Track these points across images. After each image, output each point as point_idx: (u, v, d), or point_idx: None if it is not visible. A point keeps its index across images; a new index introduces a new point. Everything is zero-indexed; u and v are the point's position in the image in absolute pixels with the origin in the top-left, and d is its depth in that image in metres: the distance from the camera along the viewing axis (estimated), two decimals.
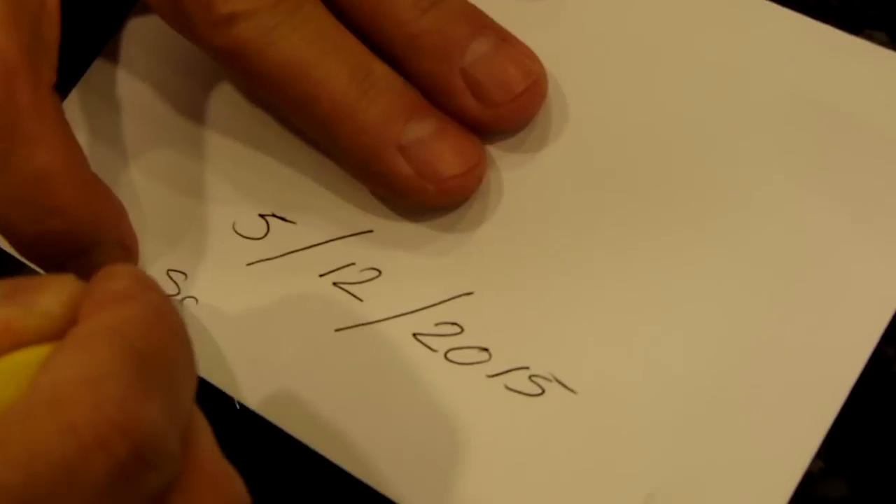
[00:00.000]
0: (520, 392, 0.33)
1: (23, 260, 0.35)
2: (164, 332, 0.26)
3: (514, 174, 0.36)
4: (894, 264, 0.32)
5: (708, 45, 0.35)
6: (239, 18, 0.34)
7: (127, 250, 0.37)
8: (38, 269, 0.37)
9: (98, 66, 0.41)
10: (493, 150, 0.36)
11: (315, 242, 0.37)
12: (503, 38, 0.35)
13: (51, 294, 0.26)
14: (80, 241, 0.35)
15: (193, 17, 0.34)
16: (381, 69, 0.35)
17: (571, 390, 0.33)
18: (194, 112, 0.39)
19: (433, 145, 0.34)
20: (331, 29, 0.35)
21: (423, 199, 0.35)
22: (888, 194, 0.33)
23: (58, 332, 0.26)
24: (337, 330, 0.35)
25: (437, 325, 0.35)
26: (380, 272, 0.36)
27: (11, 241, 0.35)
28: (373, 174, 0.35)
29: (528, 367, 0.33)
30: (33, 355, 0.25)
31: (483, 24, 0.35)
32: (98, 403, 0.23)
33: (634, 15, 0.36)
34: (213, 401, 0.35)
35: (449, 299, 0.35)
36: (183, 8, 0.34)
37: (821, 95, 0.34)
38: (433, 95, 0.35)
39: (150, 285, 0.28)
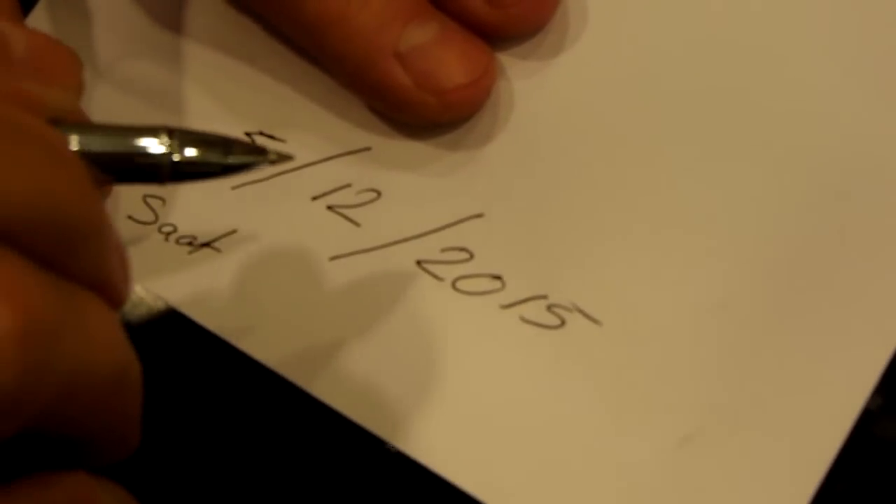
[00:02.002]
0: (537, 324, 0.29)
1: None
2: None
3: (527, 84, 0.31)
4: None
5: None
6: None
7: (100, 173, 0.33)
8: None
9: None
10: (504, 58, 0.32)
11: (307, 162, 0.32)
12: None
13: None
14: None
15: None
16: None
17: (595, 321, 0.29)
18: (172, 21, 0.35)
19: (435, 52, 0.30)
20: None
21: (425, 113, 0.30)
22: None
23: None
24: (332, 258, 0.31)
25: (443, 251, 0.31)
26: (379, 194, 0.32)
27: None
28: (367, 85, 0.31)
29: (546, 297, 0.29)
30: None
31: None
32: None
33: None
34: (199, 342, 0.31)
35: (456, 222, 0.31)
36: None
37: None
38: None
39: None
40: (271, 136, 0.33)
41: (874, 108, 0.29)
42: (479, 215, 0.31)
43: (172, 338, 0.32)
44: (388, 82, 0.30)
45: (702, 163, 0.30)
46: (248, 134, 0.33)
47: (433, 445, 0.29)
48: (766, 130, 0.29)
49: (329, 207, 0.32)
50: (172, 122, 0.34)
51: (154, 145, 0.23)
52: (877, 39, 0.30)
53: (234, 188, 0.33)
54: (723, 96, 0.30)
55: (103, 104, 0.34)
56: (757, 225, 0.29)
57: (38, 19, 0.36)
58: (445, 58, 0.30)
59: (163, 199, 0.33)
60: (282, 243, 0.32)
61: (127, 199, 0.33)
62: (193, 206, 0.33)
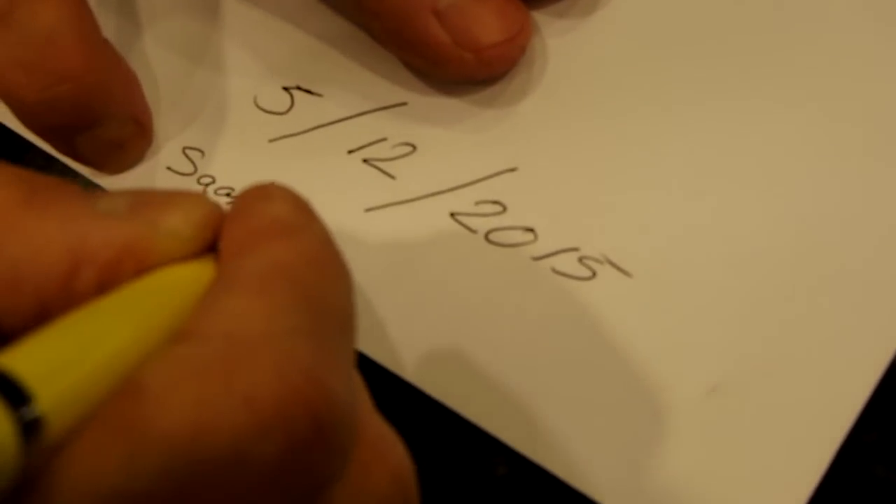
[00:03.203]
0: (569, 275, 0.29)
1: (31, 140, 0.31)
2: (336, 273, 0.21)
3: (562, 41, 0.31)
4: None
5: None
6: None
7: (140, 126, 0.33)
8: (47, 146, 0.33)
9: None
10: (539, 15, 0.31)
11: (343, 116, 0.32)
12: None
13: (181, 212, 0.21)
14: (89, 113, 0.30)
15: None
16: None
17: (626, 273, 0.28)
18: None
19: (472, 9, 0.29)
20: None
21: (461, 69, 0.30)
22: None
23: (184, 257, 0.21)
24: (367, 210, 0.31)
25: (477, 203, 0.30)
26: (414, 148, 0.31)
27: (15, 109, 0.30)
28: (405, 42, 0.30)
29: (577, 249, 0.29)
30: (168, 279, 0.21)
31: None
32: (282, 369, 0.18)
33: None
34: None
35: (490, 176, 0.30)
36: None
37: None
38: None
39: (312, 213, 0.23)
40: (308, 91, 0.33)
41: None
42: (513, 169, 0.30)
43: None
44: (427, 39, 0.29)
45: (736, 116, 0.29)
46: (285, 88, 0.33)
47: (464, 393, 0.28)
48: (802, 84, 0.29)
49: (365, 160, 0.31)
50: (214, 77, 0.33)
51: None
52: None
53: (271, 141, 0.33)
54: (759, 52, 0.29)
55: (143, 58, 0.34)
56: (790, 177, 0.28)
57: None
58: (483, 15, 0.29)
59: (202, 151, 0.33)
60: (318, 195, 0.31)
61: (166, 150, 0.33)
62: (232, 157, 0.33)
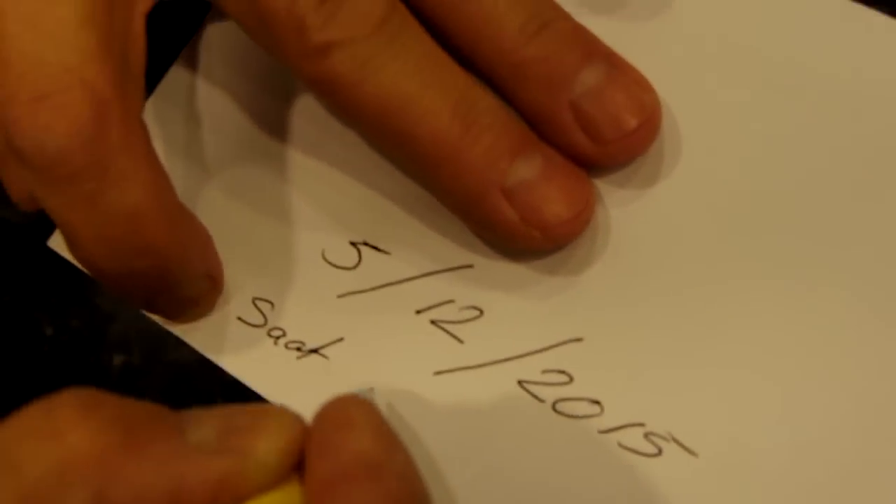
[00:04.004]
0: (635, 451, 0.30)
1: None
2: None
3: (624, 211, 0.32)
4: None
5: (841, 70, 0.30)
6: (334, 48, 0.29)
7: (213, 281, 0.34)
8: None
9: (174, 75, 0.37)
10: (601, 185, 0.32)
11: (410, 276, 0.33)
12: (615, 66, 0.31)
13: (269, 439, 0.24)
14: (168, 279, 0.31)
15: (284, 43, 0.30)
16: (485, 101, 0.30)
17: (692, 452, 0.29)
18: (279, 127, 0.35)
19: (540, 188, 0.30)
20: (432, 57, 0.30)
21: (527, 243, 0.31)
22: None
23: (271, 484, 0.23)
24: (436, 373, 0.32)
25: (544, 372, 0.31)
26: (481, 312, 0.32)
27: (96, 277, 0.31)
28: (475, 217, 0.31)
29: (643, 424, 0.30)
30: None
31: (593, 51, 0.31)
32: None
33: (754, 37, 0.31)
34: None
35: (556, 345, 0.31)
36: (273, 31, 0.30)
37: None
38: (538, 127, 0.31)
39: (394, 441, 0.24)
40: (376, 248, 0.33)
41: None
42: (578, 339, 0.31)
43: None
44: (496, 216, 0.30)
45: (804, 294, 0.29)
46: (352, 243, 0.34)
47: None
48: (877, 264, 0.29)
49: (433, 322, 0.32)
50: (281, 228, 0.34)
51: None
52: None
53: (339, 296, 0.33)
54: (824, 225, 0.30)
55: (211, 207, 0.35)
56: (862, 359, 0.28)
57: (147, 119, 0.36)
58: (550, 193, 0.30)
59: (271, 303, 0.34)
60: (388, 355, 0.32)
61: (237, 300, 0.34)
62: (302, 311, 0.34)
